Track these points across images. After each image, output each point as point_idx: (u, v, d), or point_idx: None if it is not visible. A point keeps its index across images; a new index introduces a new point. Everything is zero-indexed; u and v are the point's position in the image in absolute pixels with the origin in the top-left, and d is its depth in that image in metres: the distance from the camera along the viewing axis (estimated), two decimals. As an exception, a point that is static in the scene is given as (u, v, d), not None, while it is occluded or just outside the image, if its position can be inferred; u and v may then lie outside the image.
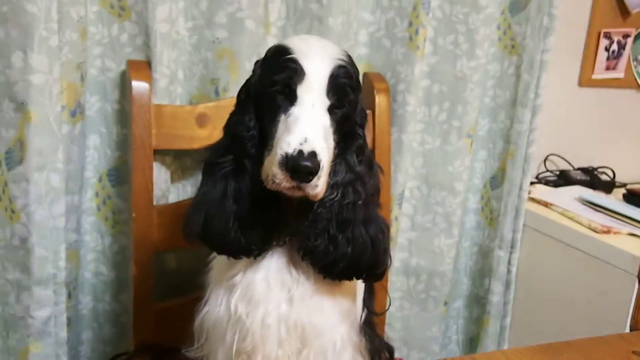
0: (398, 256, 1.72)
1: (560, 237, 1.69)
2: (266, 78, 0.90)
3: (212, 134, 1.34)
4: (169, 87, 1.35)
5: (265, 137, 0.90)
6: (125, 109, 1.37)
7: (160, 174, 1.38)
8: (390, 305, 1.70)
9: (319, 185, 0.84)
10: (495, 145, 1.75)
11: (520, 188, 1.72)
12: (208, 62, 1.40)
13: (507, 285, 1.79)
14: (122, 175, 1.41)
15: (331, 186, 0.90)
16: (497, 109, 1.73)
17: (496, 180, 1.77)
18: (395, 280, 1.74)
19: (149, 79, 1.30)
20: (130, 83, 1.28)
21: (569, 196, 1.84)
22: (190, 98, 1.43)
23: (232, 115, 0.97)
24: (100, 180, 1.41)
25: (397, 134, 1.59)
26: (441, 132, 1.66)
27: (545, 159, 2.04)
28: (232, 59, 1.39)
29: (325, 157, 0.84)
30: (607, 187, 2.01)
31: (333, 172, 0.91)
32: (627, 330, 1.50)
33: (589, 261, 1.60)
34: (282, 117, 0.87)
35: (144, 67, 1.32)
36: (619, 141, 2.18)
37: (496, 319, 1.81)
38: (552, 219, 1.72)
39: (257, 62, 0.96)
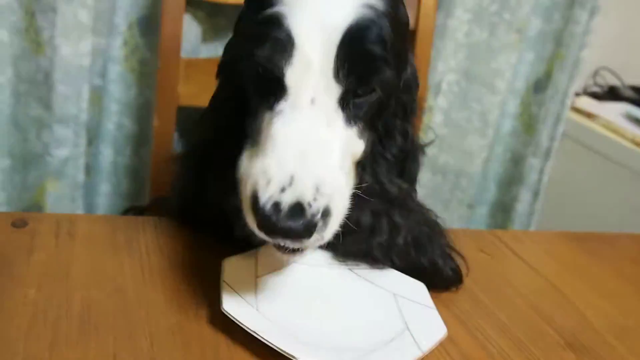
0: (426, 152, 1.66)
1: (601, 149, 1.61)
2: (242, 45, 0.60)
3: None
4: None
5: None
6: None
7: (191, 28, 1.33)
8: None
9: (324, 237, 0.56)
10: (545, 48, 1.64)
11: (565, 94, 1.63)
12: None
13: (536, 194, 1.72)
14: (152, 25, 1.35)
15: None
16: (552, 8, 1.61)
17: (540, 85, 1.67)
18: (419, 176, 1.69)
19: None
20: None
21: (615, 111, 1.75)
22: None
23: (216, 92, 0.74)
24: (129, 28, 1.36)
25: (443, 18, 1.50)
26: (490, 24, 1.56)
27: (595, 74, 1.94)
28: None
29: (337, 198, 0.56)
30: (658, 109, 1.90)
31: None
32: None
33: (629, 176, 1.53)
34: (267, 115, 0.58)
35: None
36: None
37: (519, 228, 1.76)
38: (594, 130, 1.64)
39: None
